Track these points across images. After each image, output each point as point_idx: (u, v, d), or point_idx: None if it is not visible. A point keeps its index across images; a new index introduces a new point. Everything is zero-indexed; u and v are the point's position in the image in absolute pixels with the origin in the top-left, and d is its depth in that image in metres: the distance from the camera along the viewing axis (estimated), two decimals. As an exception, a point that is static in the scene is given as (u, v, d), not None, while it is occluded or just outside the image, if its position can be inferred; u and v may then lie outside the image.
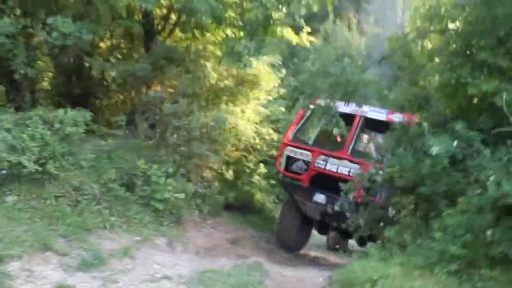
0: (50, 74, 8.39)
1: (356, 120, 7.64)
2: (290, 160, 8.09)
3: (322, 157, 7.86)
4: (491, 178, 3.39)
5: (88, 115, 6.03)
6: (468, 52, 4.83)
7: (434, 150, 4.35)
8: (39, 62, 7.48)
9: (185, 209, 7.08)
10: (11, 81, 6.80)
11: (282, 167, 8.10)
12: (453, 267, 3.58)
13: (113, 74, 6.81)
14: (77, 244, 4.97)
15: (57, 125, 5.64)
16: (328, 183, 7.69)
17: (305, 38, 8.71)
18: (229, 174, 8.98)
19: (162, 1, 7.35)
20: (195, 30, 8.19)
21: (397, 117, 6.87)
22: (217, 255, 6.69)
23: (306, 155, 7.97)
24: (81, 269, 4.57)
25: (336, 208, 7.28)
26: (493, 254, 3.29)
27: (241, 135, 8.86)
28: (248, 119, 9.08)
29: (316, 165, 7.84)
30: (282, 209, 9.11)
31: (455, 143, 4.37)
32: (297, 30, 8.42)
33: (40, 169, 5.32)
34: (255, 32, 7.01)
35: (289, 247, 8.85)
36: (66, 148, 5.73)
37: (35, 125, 5.44)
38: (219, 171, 8.72)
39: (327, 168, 7.80)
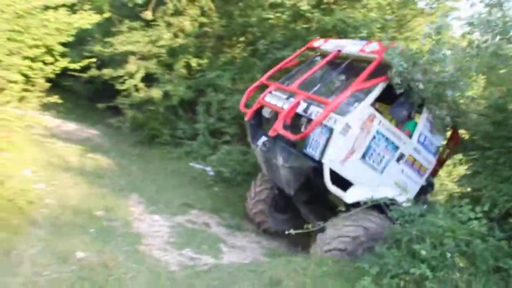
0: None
1: (329, 57, 7.06)
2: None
3: (274, 92, 7.28)
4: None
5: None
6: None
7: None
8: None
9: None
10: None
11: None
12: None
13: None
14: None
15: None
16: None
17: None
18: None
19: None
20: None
21: (371, 47, 6.56)
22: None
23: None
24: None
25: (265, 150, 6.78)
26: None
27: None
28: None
29: (264, 98, 7.27)
30: None
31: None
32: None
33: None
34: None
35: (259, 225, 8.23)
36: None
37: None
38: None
39: (269, 100, 7.16)
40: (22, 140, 8.54)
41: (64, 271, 4.65)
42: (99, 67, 11.47)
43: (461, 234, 4.84)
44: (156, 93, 11.64)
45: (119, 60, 11.99)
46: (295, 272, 4.98)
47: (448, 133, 7.58)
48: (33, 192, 6.84)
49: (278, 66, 8.09)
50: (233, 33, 12.62)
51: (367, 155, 6.25)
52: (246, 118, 7.41)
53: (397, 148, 6.51)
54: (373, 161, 6.33)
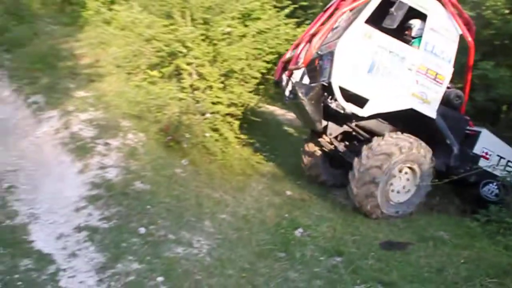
0: None
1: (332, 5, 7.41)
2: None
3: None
4: None
5: None
6: None
7: None
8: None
9: None
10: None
11: None
12: None
13: None
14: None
15: None
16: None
17: None
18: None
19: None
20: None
21: None
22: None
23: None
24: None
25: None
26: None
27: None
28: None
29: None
30: None
31: None
32: None
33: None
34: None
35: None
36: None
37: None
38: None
39: (288, 56, 8.01)
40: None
41: (277, 199, 7.45)
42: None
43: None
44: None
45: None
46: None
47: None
48: (261, 157, 9.88)
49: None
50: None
51: (373, 69, 6.56)
52: (275, 78, 8.44)
53: (403, 59, 6.69)
54: (382, 75, 6.60)
